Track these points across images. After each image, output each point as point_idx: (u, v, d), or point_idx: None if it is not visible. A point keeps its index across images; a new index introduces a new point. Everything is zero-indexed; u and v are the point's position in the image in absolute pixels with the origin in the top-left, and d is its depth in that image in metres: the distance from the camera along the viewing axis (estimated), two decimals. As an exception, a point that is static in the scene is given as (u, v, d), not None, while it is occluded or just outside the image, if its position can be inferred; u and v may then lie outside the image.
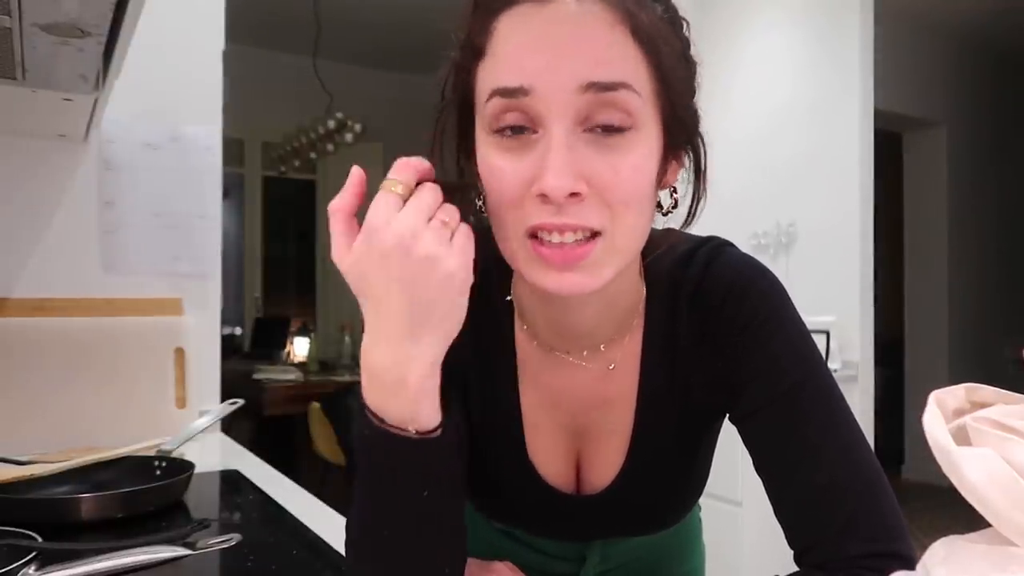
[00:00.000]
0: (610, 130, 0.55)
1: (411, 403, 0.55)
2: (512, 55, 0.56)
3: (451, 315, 0.55)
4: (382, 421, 0.56)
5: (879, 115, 3.27)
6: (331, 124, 4.80)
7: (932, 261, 5.15)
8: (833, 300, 3.08)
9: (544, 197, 0.55)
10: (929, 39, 4.83)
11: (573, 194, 0.54)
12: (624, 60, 0.55)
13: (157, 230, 1.68)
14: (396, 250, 0.52)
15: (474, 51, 0.59)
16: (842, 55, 3.14)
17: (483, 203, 0.62)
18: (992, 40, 5.03)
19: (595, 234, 0.56)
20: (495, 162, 0.57)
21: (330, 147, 4.98)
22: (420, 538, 0.60)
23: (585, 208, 0.55)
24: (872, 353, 3.10)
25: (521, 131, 0.56)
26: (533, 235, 0.57)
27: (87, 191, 1.62)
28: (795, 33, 3.33)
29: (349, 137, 4.82)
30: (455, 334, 0.56)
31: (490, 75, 0.57)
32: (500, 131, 0.57)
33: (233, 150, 4.72)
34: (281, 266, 5.97)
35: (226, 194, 1.84)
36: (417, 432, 0.56)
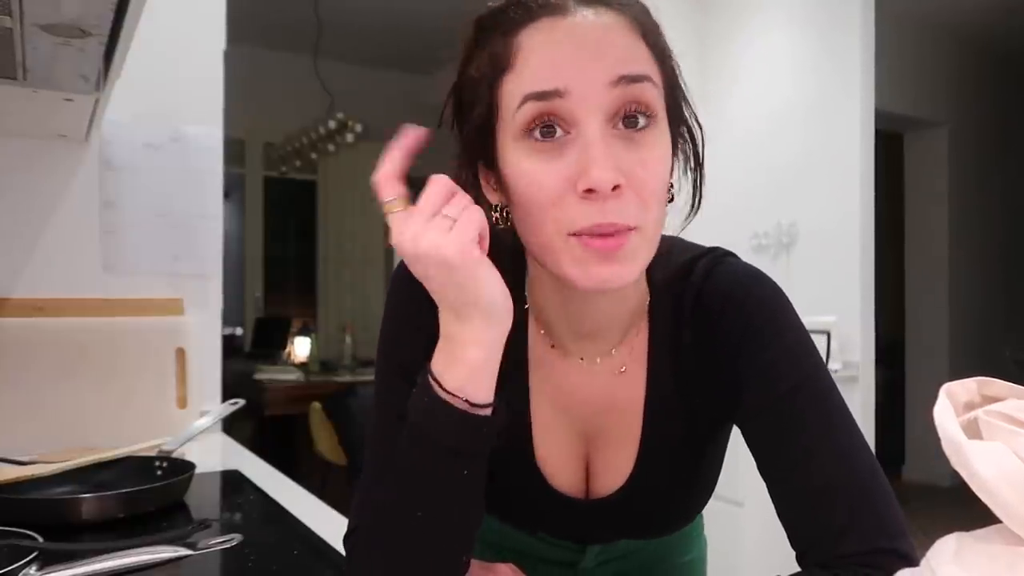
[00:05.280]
0: (636, 124, 0.59)
1: (467, 375, 0.59)
2: (543, 62, 0.59)
3: (479, 295, 0.58)
4: (441, 386, 0.59)
5: (880, 115, 3.26)
6: (332, 124, 4.80)
7: (933, 261, 5.15)
8: (833, 300, 3.08)
9: (589, 192, 0.57)
10: (931, 39, 4.83)
11: (615, 187, 0.56)
12: (643, 58, 0.61)
13: (158, 230, 1.68)
14: (410, 256, 0.59)
15: (498, 65, 0.61)
16: (843, 55, 3.14)
17: (499, 216, 0.64)
18: (994, 40, 5.03)
19: (630, 227, 0.59)
20: (530, 165, 0.59)
21: (331, 147, 4.99)
22: (446, 522, 0.62)
23: (623, 204, 0.58)
24: (872, 353, 3.10)
25: (552, 134, 0.59)
26: (577, 234, 0.58)
27: (87, 191, 1.62)
28: (795, 33, 3.33)
29: (350, 137, 4.82)
30: (500, 313, 0.59)
31: (520, 84, 0.59)
32: (531, 134, 0.59)
33: (234, 150, 4.72)
34: (282, 266, 5.97)
35: (227, 194, 1.84)
36: (469, 403, 0.59)
